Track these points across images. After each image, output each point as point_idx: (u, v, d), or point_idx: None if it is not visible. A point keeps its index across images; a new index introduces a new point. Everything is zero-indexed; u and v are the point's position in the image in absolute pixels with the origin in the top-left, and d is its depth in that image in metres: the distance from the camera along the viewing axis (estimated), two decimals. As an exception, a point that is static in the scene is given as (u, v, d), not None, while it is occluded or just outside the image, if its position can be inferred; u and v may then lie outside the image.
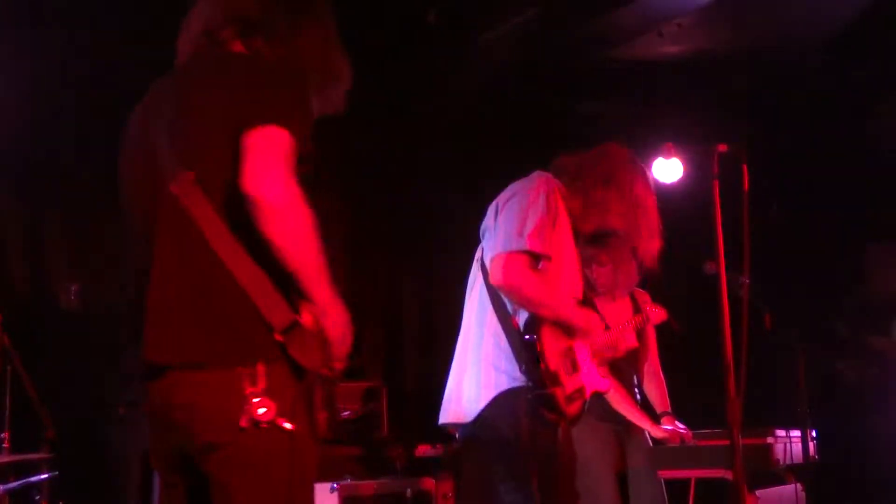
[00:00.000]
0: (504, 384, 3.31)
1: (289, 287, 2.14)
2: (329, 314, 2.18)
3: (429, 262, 6.80)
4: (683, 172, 4.84)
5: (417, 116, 6.66)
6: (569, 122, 6.69)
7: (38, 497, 4.39)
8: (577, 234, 3.58)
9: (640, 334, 4.52)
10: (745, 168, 3.34)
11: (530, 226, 3.32)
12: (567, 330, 3.44)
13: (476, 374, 3.36)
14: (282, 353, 2.11)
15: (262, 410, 2.07)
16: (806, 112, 6.66)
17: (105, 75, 5.38)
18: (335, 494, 5.09)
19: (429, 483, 5.42)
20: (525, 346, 3.31)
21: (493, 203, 3.52)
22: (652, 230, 3.67)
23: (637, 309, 4.64)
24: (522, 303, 3.33)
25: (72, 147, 5.53)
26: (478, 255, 3.55)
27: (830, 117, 6.60)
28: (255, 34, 2.37)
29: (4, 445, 4.41)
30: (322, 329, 2.18)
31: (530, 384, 3.28)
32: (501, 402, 3.29)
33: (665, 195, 5.48)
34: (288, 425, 2.09)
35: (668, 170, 4.82)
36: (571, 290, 3.53)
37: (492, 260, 3.32)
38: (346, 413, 5.31)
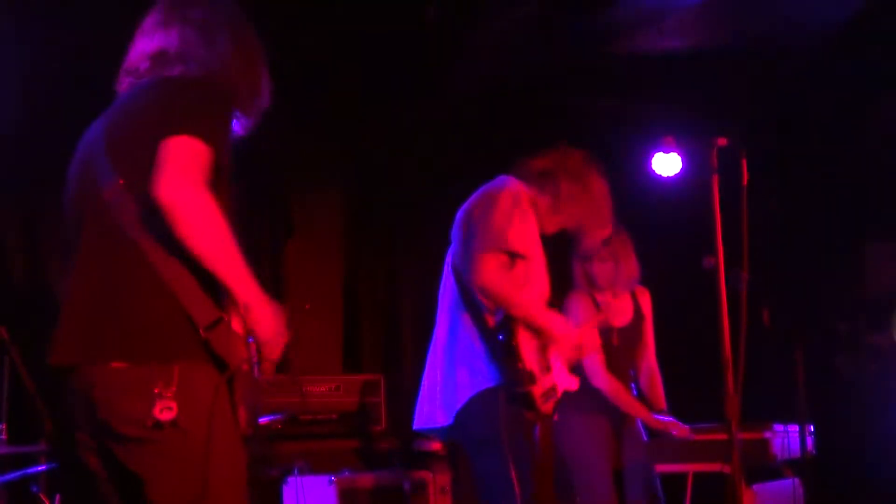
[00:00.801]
0: (480, 384, 3.36)
1: (215, 286, 2.23)
2: (252, 313, 2.25)
3: (427, 256, 6.79)
4: (683, 166, 4.84)
5: (415, 112, 6.65)
6: (568, 117, 6.68)
7: (35, 489, 4.39)
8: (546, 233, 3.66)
9: (607, 333, 4.50)
10: (744, 162, 3.34)
11: (507, 226, 3.42)
12: (536, 332, 3.50)
13: (452, 377, 3.40)
14: (204, 351, 2.20)
15: (165, 411, 2.14)
16: (805, 107, 6.65)
17: (105, 73, 5.37)
18: (333, 487, 5.09)
19: (426, 476, 5.42)
20: (501, 346, 3.35)
21: (463, 209, 3.59)
22: (601, 221, 3.77)
23: (637, 309, 4.62)
24: (499, 302, 3.40)
25: (71, 141, 5.51)
26: (448, 259, 3.62)
27: (830, 112, 6.60)
28: (176, 64, 2.51)
29: (2, 437, 4.41)
30: (247, 327, 2.26)
31: (507, 383, 3.31)
32: (478, 402, 3.35)
33: (664, 189, 5.50)
34: (189, 428, 2.16)
35: (667, 164, 4.81)
36: (540, 292, 3.59)
37: (471, 260, 3.38)
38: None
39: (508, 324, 3.38)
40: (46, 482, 4.43)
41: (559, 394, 3.59)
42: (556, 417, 3.63)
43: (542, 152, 3.79)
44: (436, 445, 5.50)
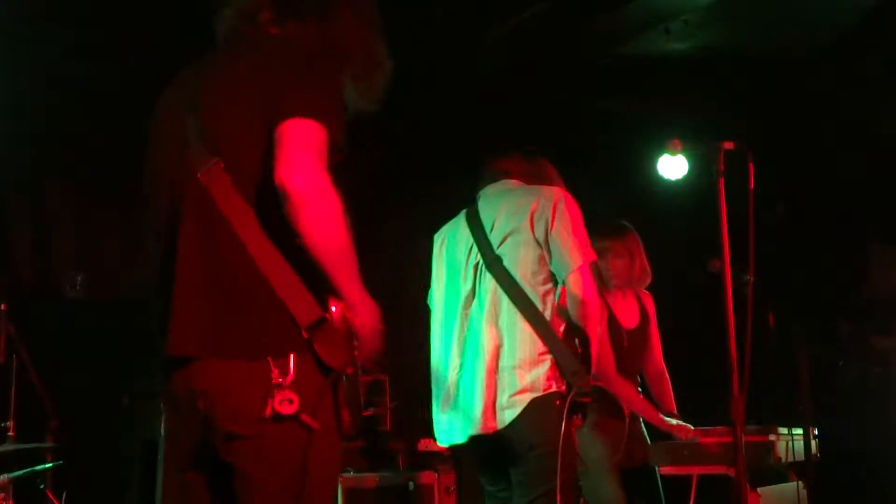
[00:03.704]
0: (539, 389, 3.29)
1: (318, 282, 2.10)
2: (358, 311, 2.16)
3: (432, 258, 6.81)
4: (689, 169, 4.85)
5: (421, 111, 6.67)
6: (574, 118, 6.69)
7: (42, 486, 4.40)
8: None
9: (617, 334, 4.51)
10: (750, 166, 3.34)
11: (585, 238, 3.41)
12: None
13: (510, 381, 3.32)
14: (308, 349, 2.08)
15: (285, 403, 2.04)
16: (811, 110, 6.66)
17: (111, 66, 5.40)
18: (338, 488, 5.11)
19: (430, 477, 5.43)
20: (577, 355, 3.32)
21: (520, 209, 3.47)
22: None
23: (643, 312, 4.62)
24: (592, 315, 3.35)
25: (78, 136, 5.54)
26: (474, 260, 3.54)
27: (835, 116, 6.61)
28: (289, 17, 2.33)
29: (9, 434, 4.43)
30: (350, 326, 2.16)
31: (571, 391, 3.28)
32: (536, 406, 3.28)
33: (670, 192, 5.52)
34: (309, 422, 2.06)
35: (673, 167, 4.83)
36: None
37: (576, 270, 3.32)
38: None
39: (584, 335, 3.35)
40: (53, 479, 4.45)
41: None
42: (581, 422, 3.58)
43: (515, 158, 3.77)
44: (441, 446, 5.50)
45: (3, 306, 4.46)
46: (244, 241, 2.08)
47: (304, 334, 2.07)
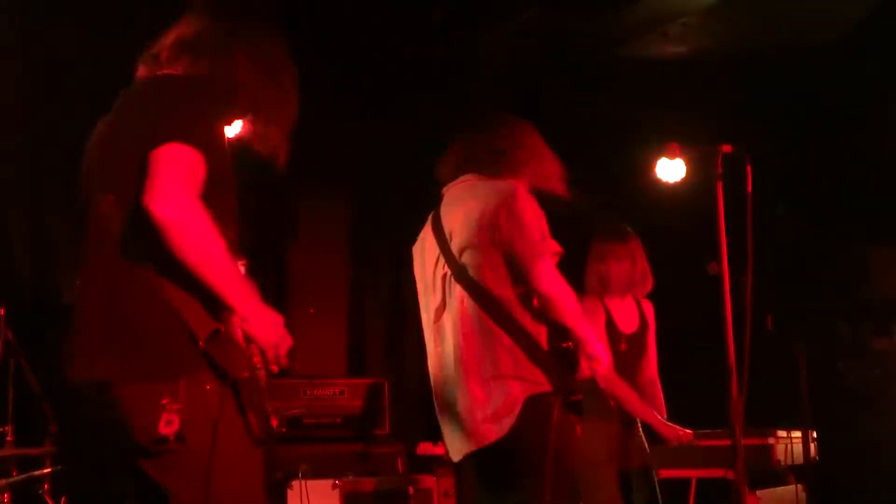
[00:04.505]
0: (528, 391, 3.23)
1: (213, 298, 2.21)
2: (251, 323, 2.25)
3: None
4: (687, 173, 4.84)
5: (420, 115, 6.67)
6: (572, 121, 6.68)
7: (41, 491, 4.40)
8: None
9: (615, 338, 4.49)
10: (748, 169, 3.34)
11: (543, 228, 3.31)
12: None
13: (499, 392, 3.24)
14: (205, 362, 2.19)
15: (167, 425, 2.15)
16: (810, 113, 6.66)
17: (111, 66, 5.38)
18: (337, 491, 5.10)
19: (430, 481, 5.43)
20: (563, 354, 3.29)
21: (469, 218, 3.39)
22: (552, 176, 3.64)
23: (643, 318, 4.61)
24: (561, 308, 3.27)
25: (78, 136, 5.53)
26: (441, 271, 3.44)
27: (834, 118, 6.61)
28: (185, 54, 2.46)
29: (8, 439, 4.42)
30: (247, 334, 2.26)
31: (562, 391, 3.25)
32: (528, 409, 3.22)
33: (669, 195, 5.50)
34: (188, 441, 2.17)
35: (671, 170, 4.81)
36: None
37: (536, 268, 3.23)
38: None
39: (567, 330, 3.28)
40: (52, 484, 4.45)
41: None
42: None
43: (489, 131, 3.75)
44: (439, 450, 5.50)
45: (1, 310, 4.46)
46: (140, 267, 2.21)
47: (202, 344, 2.18)
